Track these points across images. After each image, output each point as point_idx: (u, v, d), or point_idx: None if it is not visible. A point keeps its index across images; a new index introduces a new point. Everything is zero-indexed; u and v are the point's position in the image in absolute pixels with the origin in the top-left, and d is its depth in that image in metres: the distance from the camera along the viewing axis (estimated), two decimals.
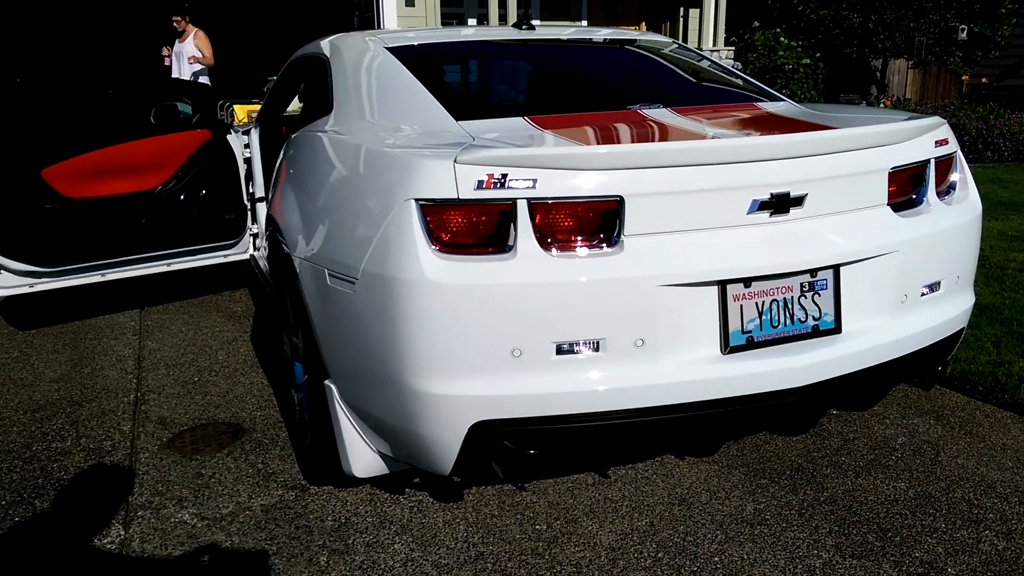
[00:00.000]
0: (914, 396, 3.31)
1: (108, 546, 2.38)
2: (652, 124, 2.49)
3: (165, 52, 8.35)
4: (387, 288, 1.97)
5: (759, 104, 2.96)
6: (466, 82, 3.47)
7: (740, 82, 3.28)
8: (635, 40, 3.52)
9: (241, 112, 7.16)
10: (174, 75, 8.07)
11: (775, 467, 2.76)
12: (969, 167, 2.64)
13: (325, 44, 3.29)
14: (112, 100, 4.65)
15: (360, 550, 2.34)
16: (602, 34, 3.50)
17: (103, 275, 4.17)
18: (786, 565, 2.25)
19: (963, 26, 14.60)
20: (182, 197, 4.28)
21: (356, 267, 2.08)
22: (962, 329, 2.55)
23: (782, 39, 13.36)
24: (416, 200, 1.95)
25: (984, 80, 16.19)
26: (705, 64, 3.49)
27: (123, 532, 2.45)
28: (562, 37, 3.50)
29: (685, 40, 13.01)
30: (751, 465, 2.77)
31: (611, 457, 2.80)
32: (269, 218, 3.04)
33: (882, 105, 13.18)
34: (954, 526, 2.43)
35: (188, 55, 8.07)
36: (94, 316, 4.54)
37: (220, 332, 4.24)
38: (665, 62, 3.40)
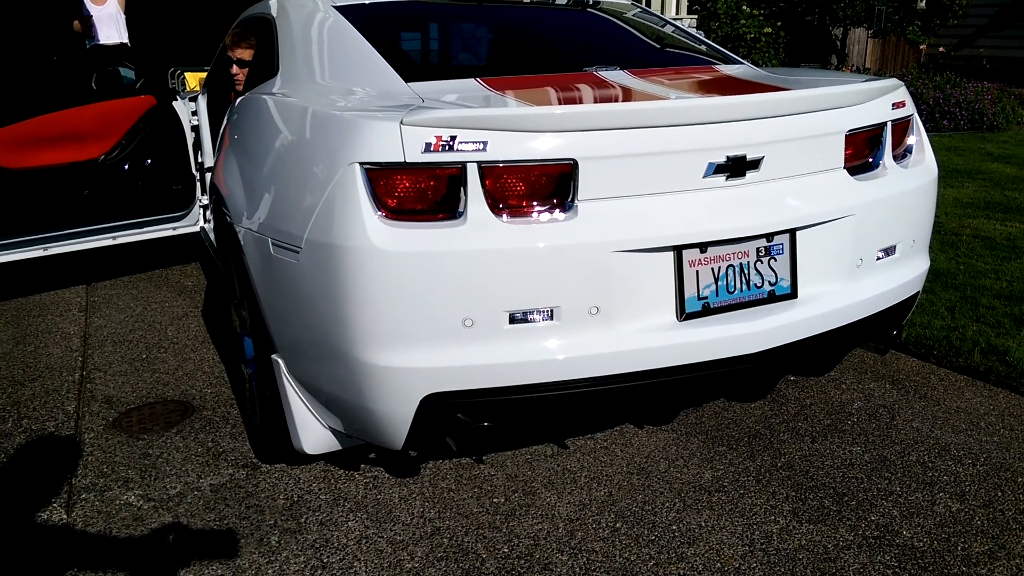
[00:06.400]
0: (870, 361, 3.33)
1: (49, 531, 2.29)
2: (607, 85, 2.42)
3: (78, 28, 7.65)
4: (331, 257, 1.89)
5: (717, 67, 2.91)
6: (417, 42, 3.35)
7: (699, 45, 3.23)
8: (597, 2, 3.43)
9: (193, 80, 6.87)
10: (100, 41, 7.54)
11: (733, 434, 2.75)
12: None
13: (272, 3, 3.15)
14: (51, 65, 4.44)
15: (313, 528, 2.28)
16: None
17: (45, 249, 4.00)
18: (743, 531, 2.24)
19: None
20: (126, 167, 4.11)
21: (299, 235, 1.99)
22: (917, 293, 2.55)
23: (744, 7, 13.34)
24: (361, 164, 1.86)
25: (942, 49, 16.38)
26: (666, 28, 3.42)
27: (65, 516, 2.35)
28: None
29: (648, 7, 12.91)
30: (709, 432, 2.76)
31: (569, 427, 2.77)
32: (212, 187, 2.92)
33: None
34: (909, 489, 2.44)
35: (112, 16, 7.51)
36: (38, 292, 4.36)
37: (170, 307, 4.10)
38: (625, 25, 3.32)
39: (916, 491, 2.43)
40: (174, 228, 4.35)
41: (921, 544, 2.19)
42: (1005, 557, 2.14)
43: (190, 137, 4.29)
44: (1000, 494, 2.41)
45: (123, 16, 7.60)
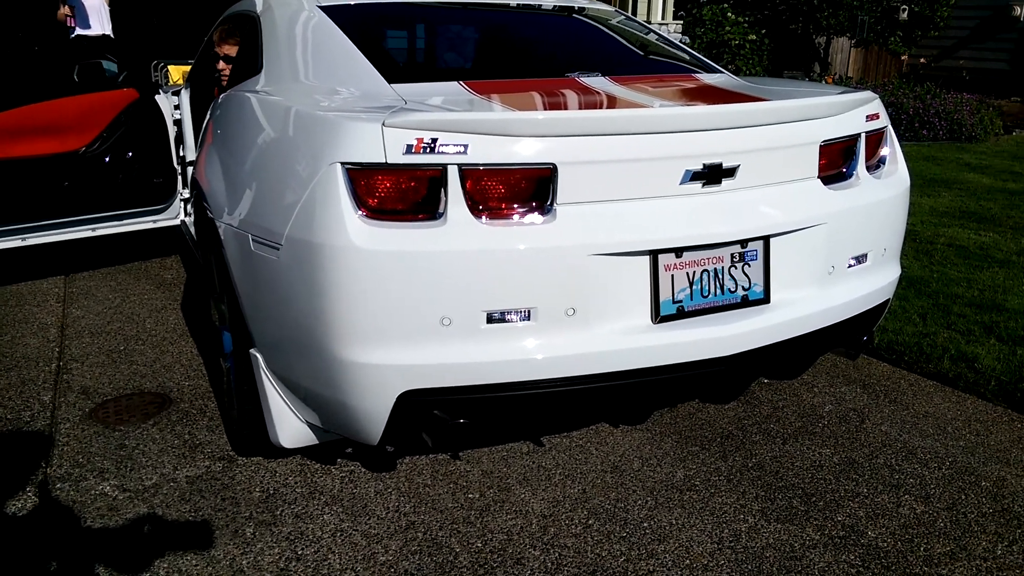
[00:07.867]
0: (842, 365, 3.40)
1: (22, 520, 2.29)
2: (589, 92, 2.46)
3: (66, 12, 7.56)
4: (311, 254, 1.91)
5: (697, 75, 2.96)
6: (402, 44, 3.37)
7: (681, 54, 3.27)
8: (583, 8, 3.47)
9: (176, 73, 6.84)
10: (80, 32, 7.48)
11: (706, 434, 2.80)
12: (905, 145, 2.69)
13: (257, 0, 3.16)
14: (32, 56, 4.41)
15: (288, 521, 2.29)
16: (549, 0, 3.44)
17: (23, 239, 3.98)
18: (712, 529, 2.29)
19: (904, 6, 14.92)
20: (107, 159, 4.09)
21: (280, 232, 2.01)
22: (887, 300, 2.61)
23: (729, 14, 13.45)
24: (342, 164, 1.89)
25: (923, 60, 16.61)
26: (649, 36, 3.46)
27: (39, 505, 2.35)
28: (509, 1, 3.42)
29: (634, 12, 12.98)
30: (683, 433, 2.81)
31: (546, 426, 2.81)
32: (194, 182, 2.93)
33: (824, 82, 13.41)
34: (875, 491, 2.50)
35: (96, 8, 7.44)
36: (16, 282, 4.33)
37: (149, 300, 4.09)
38: (609, 32, 3.36)
39: (882, 493, 2.49)
40: (154, 221, 4.34)
41: (885, 544, 2.25)
42: (966, 558, 2.20)
43: (172, 131, 4.28)
44: (964, 497, 2.48)
45: (107, 8, 7.55)
